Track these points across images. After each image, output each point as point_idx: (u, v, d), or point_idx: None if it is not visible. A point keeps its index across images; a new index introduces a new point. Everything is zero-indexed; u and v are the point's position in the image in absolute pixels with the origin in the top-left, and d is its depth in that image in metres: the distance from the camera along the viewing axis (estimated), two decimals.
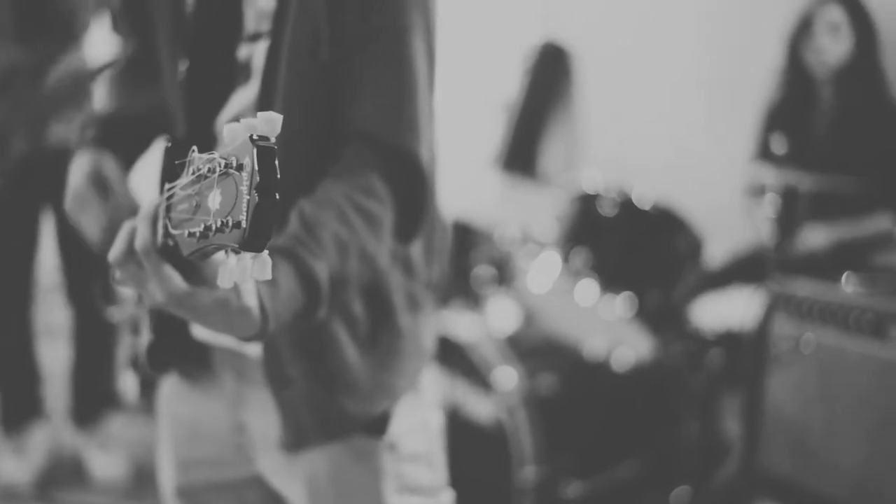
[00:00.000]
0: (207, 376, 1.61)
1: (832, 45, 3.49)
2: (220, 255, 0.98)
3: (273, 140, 0.92)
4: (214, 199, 0.93)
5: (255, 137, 0.91)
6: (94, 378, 3.81)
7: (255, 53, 1.45)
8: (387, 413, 1.54)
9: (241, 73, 1.47)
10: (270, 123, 0.92)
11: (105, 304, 1.57)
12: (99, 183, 1.53)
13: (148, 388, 1.69)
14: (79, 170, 1.54)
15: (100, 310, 1.58)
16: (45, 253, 3.74)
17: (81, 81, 3.38)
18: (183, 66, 1.47)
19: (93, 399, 3.81)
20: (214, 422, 1.62)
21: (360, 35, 1.41)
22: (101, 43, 3.31)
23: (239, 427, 1.60)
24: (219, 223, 0.91)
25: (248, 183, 0.89)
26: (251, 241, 0.90)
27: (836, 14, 3.50)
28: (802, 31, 3.57)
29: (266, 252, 0.95)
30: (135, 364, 1.55)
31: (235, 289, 1.14)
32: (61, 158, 3.28)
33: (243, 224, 0.89)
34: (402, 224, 1.45)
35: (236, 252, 0.93)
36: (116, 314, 1.57)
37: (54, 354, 4.03)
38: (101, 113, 1.65)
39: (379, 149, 1.42)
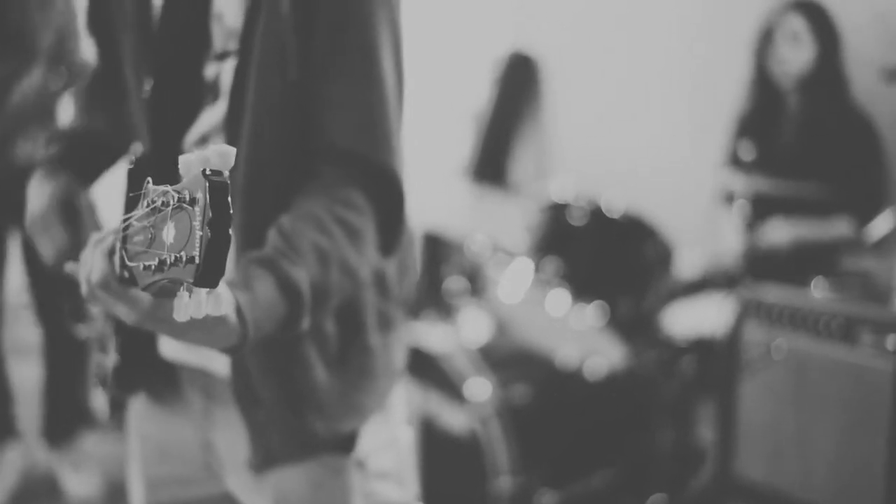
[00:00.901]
0: (175, 395, 1.60)
1: (794, 54, 3.51)
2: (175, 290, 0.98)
3: (226, 174, 0.91)
4: (169, 233, 0.93)
5: (207, 172, 0.90)
6: (66, 396, 3.78)
7: (223, 72, 1.44)
8: (355, 431, 1.53)
9: (208, 91, 1.46)
10: (224, 157, 0.92)
11: (74, 322, 1.56)
12: (65, 209, 1.52)
13: (117, 408, 1.68)
14: (43, 190, 1.54)
15: (69, 327, 1.57)
16: (12, 271, 3.70)
17: (45, 99, 3.35)
18: (148, 84, 1.46)
19: (65, 417, 3.78)
20: (183, 440, 1.61)
21: (329, 52, 1.41)
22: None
23: (207, 446, 1.59)
24: (173, 258, 0.91)
25: (200, 218, 0.89)
26: (204, 277, 0.90)
27: (796, 23, 3.51)
28: (765, 42, 3.59)
29: (220, 287, 0.95)
30: (103, 383, 1.54)
31: None
32: (27, 177, 3.27)
33: (197, 259, 0.89)
34: (382, 238, 1.45)
35: (190, 287, 0.93)
36: (85, 331, 1.56)
37: (25, 373, 3.99)
38: (65, 129, 1.65)
39: (356, 164, 1.42)
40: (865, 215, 3.37)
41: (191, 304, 0.95)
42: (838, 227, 3.41)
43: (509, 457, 2.97)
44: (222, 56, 1.45)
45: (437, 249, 4.35)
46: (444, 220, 4.66)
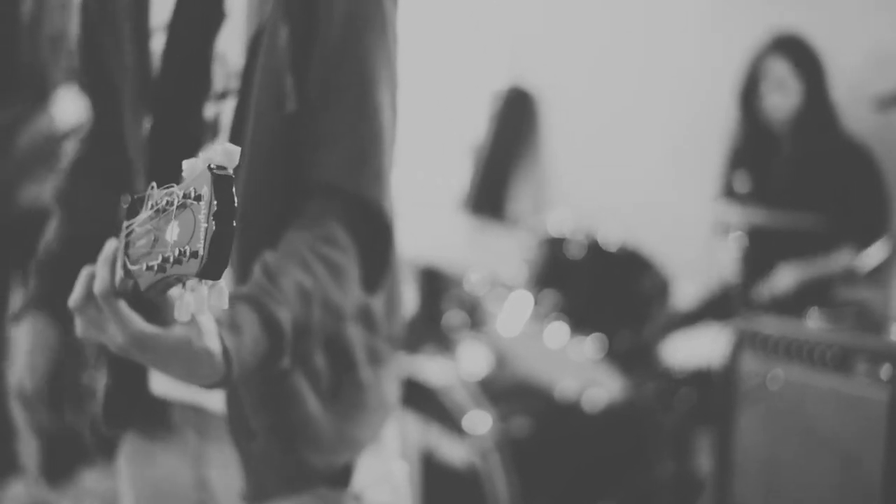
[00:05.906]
0: (167, 433, 1.61)
1: (782, 101, 3.52)
2: (177, 291, 0.98)
3: (231, 170, 0.93)
4: (172, 232, 0.94)
5: (212, 167, 0.92)
6: (64, 434, 3.77)
7: (223, 111, 1.46)
8: (350, 465, 1.54)
9: (208, 130, 1.48)
10: (228, 155, 0.93)
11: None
12: (52, 390, 1.58)
13: (104, 449, 1.69)
14: (33, 358, 1.59)
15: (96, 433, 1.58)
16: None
17: (53, 141, 3.37)
18: (148, 124, 1.48)
19: (63, 455, 3.77)
20: (176, 479, 1.61)
21: (324, 87, 1.43)
22: (69, 106, 3.28)
23: (201, 483, 1.59)
24: (176, 253, 0.92)
25: (205, 211, 0.90)
26: (209, 269, 0.90)
27: (780, 67, 3.51)
28: (751, 88, 3.61)
29: (223, 280, 0.95)
30: (92, 425, 1.55)
31: (197, 330, 1.16)
32: (33, 219, 3.27)
33: (200, 252, 0.89)
34: (365, 274, 1.46)
35: (192, 282, 0.94)
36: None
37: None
38: (39, 258, 1.68)
39: (343, 200, 1.43)
40: (865, 244, 3.38)
41: (193, 301, 0.95)
42: (842, 260, 3.42)
43: (509, 490, 2.97)
44: (223, 95, 1.47)
45: (436, 283, 4.38)
46: (442, 254, 4.69)
